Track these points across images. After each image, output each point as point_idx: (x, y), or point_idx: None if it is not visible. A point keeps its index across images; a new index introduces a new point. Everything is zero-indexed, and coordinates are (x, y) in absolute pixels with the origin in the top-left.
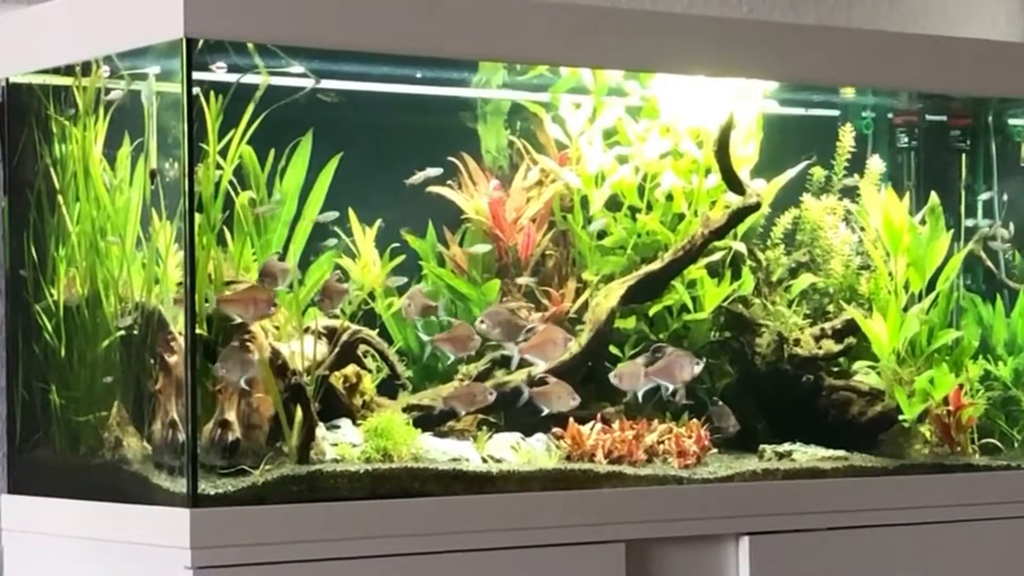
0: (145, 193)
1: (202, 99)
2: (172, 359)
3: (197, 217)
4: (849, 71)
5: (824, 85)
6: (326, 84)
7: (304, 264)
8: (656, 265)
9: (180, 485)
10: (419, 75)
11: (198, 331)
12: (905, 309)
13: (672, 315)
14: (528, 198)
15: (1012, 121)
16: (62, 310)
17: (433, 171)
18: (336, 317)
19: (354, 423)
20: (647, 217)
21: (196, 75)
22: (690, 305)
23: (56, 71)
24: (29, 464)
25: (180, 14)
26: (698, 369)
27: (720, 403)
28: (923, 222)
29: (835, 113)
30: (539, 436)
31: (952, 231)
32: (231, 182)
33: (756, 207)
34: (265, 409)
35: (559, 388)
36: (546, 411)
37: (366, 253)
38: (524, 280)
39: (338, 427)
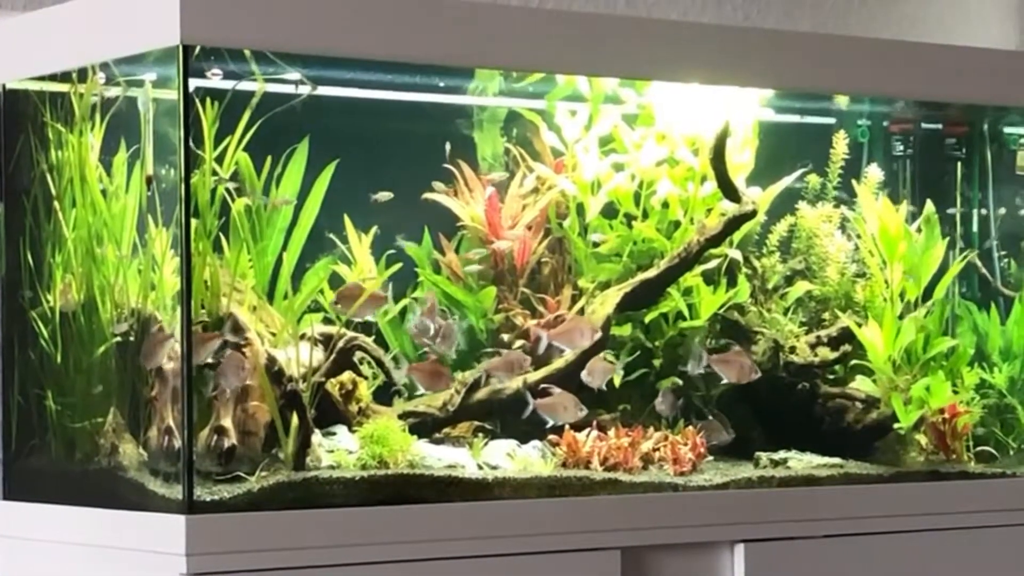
0: (141, 199)
1: (198, 105)
2: (168, 365)
3: (193, 223)
4: (845, 79)
5: (820, 93)
6: (322, 91)
7: (300, 270)
8: (652, 272)
9: (176, 491)
10: (415, 82)
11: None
12: (901, 317)
13: (668, 322)
14: (524, 205)
15: (1008, 129)
16: (58, 316)
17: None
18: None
19: (350, 430)
20: (643, 224)
21: (192, 81)
22: (686, 312)
23: (53, 77)
24: (25, 470)
25: (176, 20)
26: (755, 377)
27: (711, 417)
28: (919, 230)
29: (831, 121)
30: (535, 443)
31: (948, 239)
32: (227, 188)
33: (752, 215)
34: (261, 416)
35: (565, 399)
36: (551, 423)
37: (362, 260)
38: (474, 268)
39: (334, 434)
